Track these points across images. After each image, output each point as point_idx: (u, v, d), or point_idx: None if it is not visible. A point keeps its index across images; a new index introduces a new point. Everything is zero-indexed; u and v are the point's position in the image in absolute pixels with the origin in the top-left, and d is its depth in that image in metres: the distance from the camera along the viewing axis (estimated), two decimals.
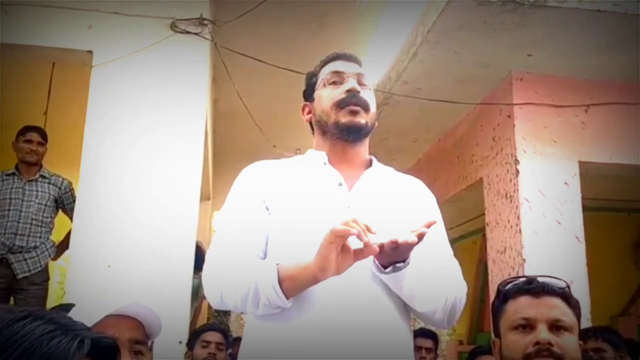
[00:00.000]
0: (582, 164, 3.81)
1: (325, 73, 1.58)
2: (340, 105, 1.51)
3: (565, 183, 3.76)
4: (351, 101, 1.51)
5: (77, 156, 3.26)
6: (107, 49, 3.37)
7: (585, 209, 3.78)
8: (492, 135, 4.10)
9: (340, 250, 1.24)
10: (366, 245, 1.22)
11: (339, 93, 1.52)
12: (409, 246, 1.25)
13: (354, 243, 1.24)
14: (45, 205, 3.66)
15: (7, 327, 0.61)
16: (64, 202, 3.74)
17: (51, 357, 0.60)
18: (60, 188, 3.73)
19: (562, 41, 3.51)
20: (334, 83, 1.55)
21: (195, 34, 3.41)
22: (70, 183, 3.79)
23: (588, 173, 3.85)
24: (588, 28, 3.36)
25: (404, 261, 1.32)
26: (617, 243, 6.12)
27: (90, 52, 3.38)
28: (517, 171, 3.73)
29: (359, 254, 1.26)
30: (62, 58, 3.67)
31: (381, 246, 1.25)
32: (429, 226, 1.27)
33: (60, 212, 3.82)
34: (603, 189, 5.05)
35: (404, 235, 1.24)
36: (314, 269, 1.26)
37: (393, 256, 1.30)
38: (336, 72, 1.56)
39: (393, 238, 1.25)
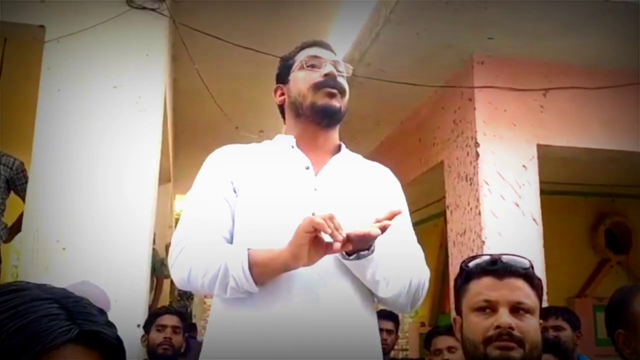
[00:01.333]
0: (540, 147, 3.86)
1: (302, 56, 1.59)
2: (317, 87, 1.52)
3: (524, 166, 3.81)
4: (329, 84, 1.52)
5: (30, 136, 3.15)
6: (60, 24, 3.24)
7: (542, 192, 3.84)
8: (453, 118, 4.12)
9: (313, 241, 1.25)
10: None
11: (316, 76, 1.53)
12: (372, 238, 1.28)
13: (326, 236, 1.27)
14: None
15: (27, 302, 0.67)
16: (16, 183, 3.61)
17: (40, 334, 0.65)
18: (11, 168, 3.59)
19: (522, 23, 3.52)
20: (312, 66, 1.56)
21: (153, 9, 3.31)
22: (22, 163, 3.66)
23: (546, 156, 3.91)
24: (548, 11, 3.38)
25: (368, 249, 1.33)
26: (573, 226, 6.25)
27: (42, 27, 3.25)
28: (477, 154, 3.76)
29: (330, 248, 1.28)
30: (13, 33, 3.52)
31: (348, 237, 1.26)
32: (392, 217, 1.30)
33: (12, 193, 3.69)
34: (560, 172, 5.14)
35: (368, 227, 1.27)
36: (286, 256, 1.27)
37: (357, 245, 1.31)
38: (314, 57, 1.57)
39: (358, 230, 1.26)
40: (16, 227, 3.58)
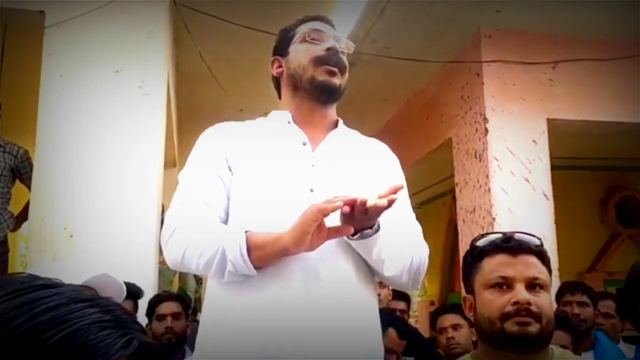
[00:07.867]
0: (550, 121, 3.81)
1: (304, 29, 1.55)
2: (319, 62, 1.49)
3: (534, 141, 3.76)
4: (331, 60, 1.49)
5: (33, 123, 3.11)
6: (60, 9, 3.18)
7: (553, 167, 3.80)
8: (460, 94, 4.07)
9: (316, 227, 1.23)
10: (342, 224, 1.25)
11: (318, 50, 1.50)
12: (378, 210, 1.23)
13: (327, 221, 1.24)
14: (1, 175, 3.51)
15: (66, 304, 0.57)
16: (21, 172, 3.58)
17: (95, 347, 0.55)
18: (16, 157, 3.56)
19: None
20: (314, 39, 1.52)
21: None
22: (26, 151, 3.63)
23: (556, 130, 3.85)
24: None
25: (371, 227, 1.30)
26: (583, 201, 6.21)
27: (42, 12, 3.20)
28: (486, 130, 3.70)
29: (333, 233, 1.26)
30: (13, 20, 3.47)
31: (351, 206, 1.22)
32: (396, 191, 1.26)
33: (17, 181, 3.68)
34: (570, 146, 5.08)
35: (374, 199, 1.23)
36: (287, 242, 1.24)
37: (361, 222, 1.28)
38: (317, 30, 1.53)
39: (362, 198, 1.22)
40: (22, 216, 3.57)
